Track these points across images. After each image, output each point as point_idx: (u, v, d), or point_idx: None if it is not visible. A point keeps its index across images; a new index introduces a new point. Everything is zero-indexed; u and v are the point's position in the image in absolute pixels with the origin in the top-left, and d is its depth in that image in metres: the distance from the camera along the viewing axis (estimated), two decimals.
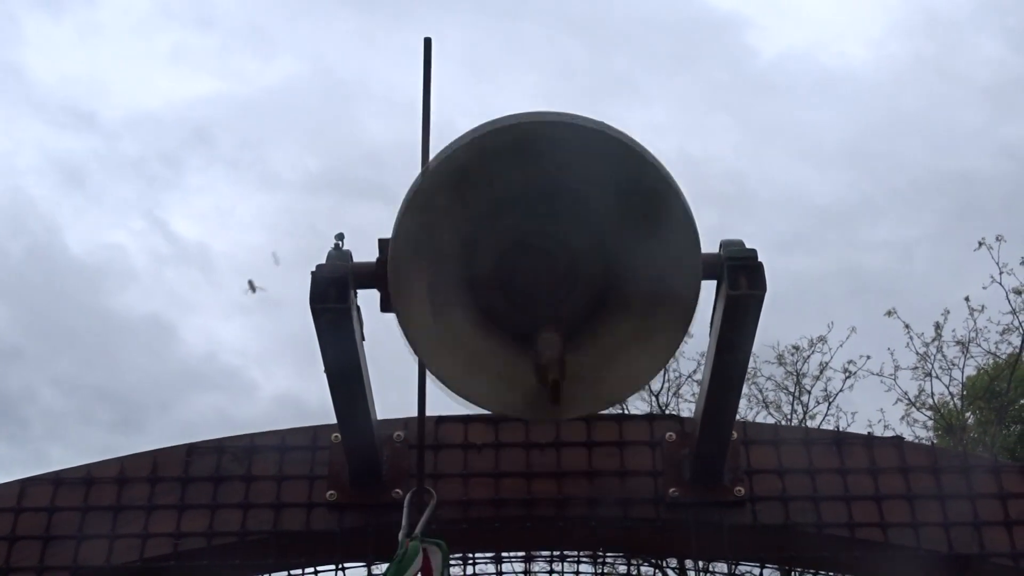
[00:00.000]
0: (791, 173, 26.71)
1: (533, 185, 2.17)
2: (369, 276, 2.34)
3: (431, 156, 2.19)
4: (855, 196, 25.68)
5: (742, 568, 3.06)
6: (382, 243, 2.32)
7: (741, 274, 2.29)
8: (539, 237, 2.23)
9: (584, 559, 3.11)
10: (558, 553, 2.96)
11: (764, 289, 2.27)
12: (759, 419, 15.62)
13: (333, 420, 2.66)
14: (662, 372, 14.68)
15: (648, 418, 2.94)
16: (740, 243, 2.34)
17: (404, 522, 2.41)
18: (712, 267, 2.32)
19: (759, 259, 2.29)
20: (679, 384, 14.98)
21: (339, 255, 2.35)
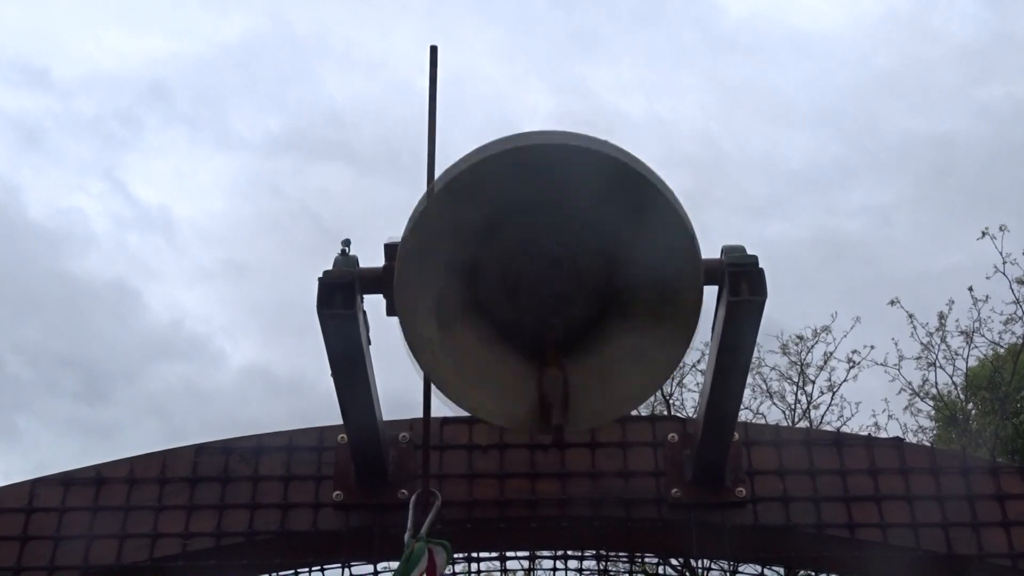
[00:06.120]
0: (763, 135, 26.02)
1: (534, 200, 2.22)
2: (375, 281, 2.37)
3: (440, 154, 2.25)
4: (829, 159, 24.99)
5: (744, 569, 3.09)
6: (388, 248, 2.36)
7: (742, 280, 2.32)
8: (542, 246, 2.28)
9: (587, 558, 3.14)
10: (561, 553, 3.00)
11: (765, 295, 2.31)
12: (763, 409, 15.63)
13: (334, 419, 2.69)
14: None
15: (650, 419, 2.98)
16: (741, 249, 2.37)
17: (410, 523, 2.44)
18: (714, 273, 2.36)
19: (760, 265, 2.33)
20: (683, 374, 14.98)
21: (345, 261, 2.38)
